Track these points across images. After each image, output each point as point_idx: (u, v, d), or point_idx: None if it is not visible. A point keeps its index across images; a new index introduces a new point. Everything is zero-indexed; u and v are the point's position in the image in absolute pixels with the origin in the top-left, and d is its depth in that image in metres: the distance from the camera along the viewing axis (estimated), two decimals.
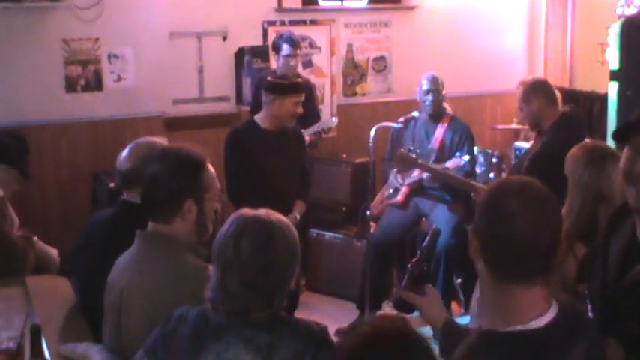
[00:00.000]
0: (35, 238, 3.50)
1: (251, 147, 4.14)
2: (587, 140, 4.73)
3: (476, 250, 1.61)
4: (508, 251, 1.55)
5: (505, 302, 1.58)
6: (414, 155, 4.57)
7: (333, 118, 5.27)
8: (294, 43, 5.12)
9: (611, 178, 2.75)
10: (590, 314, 2.09)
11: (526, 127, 4.71)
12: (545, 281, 1.59)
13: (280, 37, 5.23)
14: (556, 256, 1.59)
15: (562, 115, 4.17)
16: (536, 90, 4.14)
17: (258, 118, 4.27)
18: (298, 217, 4.15)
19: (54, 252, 3.55)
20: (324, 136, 5.39)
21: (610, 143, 4.77)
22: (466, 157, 4.62)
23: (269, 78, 4.32)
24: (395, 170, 4.89)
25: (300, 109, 4.21)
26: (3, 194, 3.38)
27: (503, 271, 1.58)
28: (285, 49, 5.11)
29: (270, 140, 4.18)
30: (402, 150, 4.61)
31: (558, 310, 1.59)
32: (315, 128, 5.03)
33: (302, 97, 4.23)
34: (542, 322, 1.56)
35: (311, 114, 5.20)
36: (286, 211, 3.89)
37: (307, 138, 4.98)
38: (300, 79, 5.29)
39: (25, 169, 3.53)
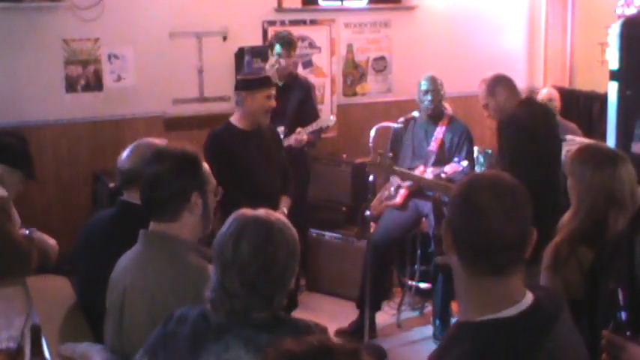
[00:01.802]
0: (34, 229, 3.51)
1: (232, 148, 4.13)
2: (584, 140, 4.77)
3: (449, 244, 1.64)
4: (479, 243, 1.59)
5: (478, 294, 1.62)
6: (388, 161, 4.52)
7: (331, 117, 5.26)
8: (284, 42, 5.10)
9: (623, 180, 2.72)
10: (623, 314, 2.07)
11: None
12: (518, 272, 1.62)
13: (275, 36, 5.23)
14: (528, 247, 1.61)
15: (523, 99, 4.43)
16: (500, 82, 4.30)
17: (233, 119, 4.27)
18: (286, 211, 4.17)
19: (52, 241, 3.56)
20: (323, 135, 5.39)
21: (610, 143, 4.80)
22: (464, 163, 4.62)
23: (238, 77, 4.33)
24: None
25: (272, 103, 4.21)
26: (7, 194, 3.38)
27: (476, 263, 1.60)
28: (277, 48, 5.12)
29: (249, 140, 4.19)
30: (374, 156, 4.53)
31: (533, 301, 1.62)
32: (313, 127, 5.03)
33: (273, 91, 4.24)
34: (515, 312, 1.59)
35: (310, 114, 5.20)
36: (273, 208, 3.91)
37: (305, 137, 4.98)
38: (300, 78, 5.31)
39: (29, 170, 3.53)
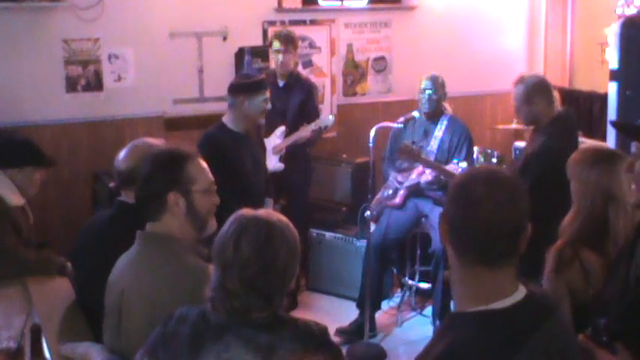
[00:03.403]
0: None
1: (226, 150, 4.09)
2: (585, 141, 4.75)
3: (445, 235, 1.68)
4: (474, 235, 1.61)
5: (471, 284, 1.65)
6: (416, 148, 4.57)
7: (330, 116, 5.24)
8: (282, 38, 5.12)
9: (620, 178, 2.70)
10: (602, 320, 2.08)
11: (526, 127, 4.68)
12: (510, 265, 1.64)
13: (275, 34, 5.25)
14: (522, 241, 1.64)
15: (559, 115, 4.09)
16: (539, 91, 4.03)
17: (227, 121, 4.19)
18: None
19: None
20: (324, 136, 5.39)
21: (610, 143, 4.80)
22: (463, 164, 4.62)
23: (234, 81, 4.26)
24: (394, 172, 4.91)
25: (269, 105, 4.20)
26: (23, 202, 3.37)
27: (470, 254, 1.63)
28: (275, 44, 5.13)
29: (242, 142, 4.17)
30: (406, 142, 4.59)
31: (525, 295, 1.64)
32: (312, 126, 5.03)
33: (268, 93, 4.20)
34: (507, 304, 1.61)
35: (311, 114, 5.20)
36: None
37: (308, 134, 4.99)
38: (302, 78, 5.32)
39: (37, 160, 3.49)
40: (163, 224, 2.34)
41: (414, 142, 4.71)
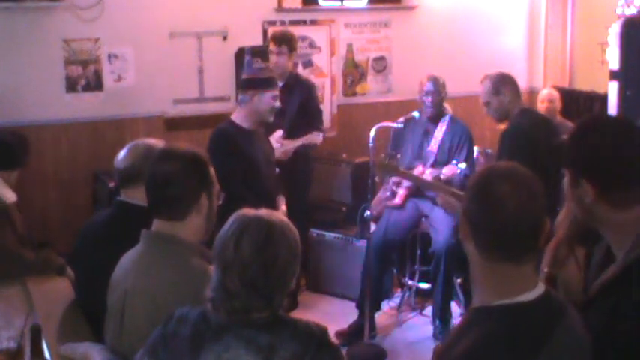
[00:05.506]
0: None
1: (240, 146, 4.12)
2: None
3: (466, 234, 1.68)
4: (498, 233, 1.63)
5: (495, 280, 1.66)
6: (394, 162, 4.58)
7: (320, 135, 5.16)
8: (275, 39, 5.12)
9: None
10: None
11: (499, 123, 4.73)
12: (532, 260, 1.66)
13: (271, 34, 5.26)
14: (543, 236, 1.65)
15: (528, 107, 4.44)
16: (505, 81, 4.25)
17: (236, 118, 4.23)
18: (285, 208, 4.28)
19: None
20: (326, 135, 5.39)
21: None
22: (462, 165, 4.61)
23: (243, 76, 4.30)
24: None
25: (278, 103, 4.21)
26: (15, 200, 3.37)
27: (494, 251, 1.65)
28: (270, 45, 5.14)
29: (253, 139, 4.20)
30: (382, 157, 4.59)
31: (545, 289, 1.68)
32: (302, 141, 5.01)
33: (277, 91, 4.24)
34: (531, 297, 1.64)
35: (314, 113, 5.21)
36: (274, 207, 4.07)
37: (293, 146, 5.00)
38: (301, 78, 5.31)
39: (9, 163, 3.45)
40: (182, 223, 2.34)
41: (391, 156, 4.71)
